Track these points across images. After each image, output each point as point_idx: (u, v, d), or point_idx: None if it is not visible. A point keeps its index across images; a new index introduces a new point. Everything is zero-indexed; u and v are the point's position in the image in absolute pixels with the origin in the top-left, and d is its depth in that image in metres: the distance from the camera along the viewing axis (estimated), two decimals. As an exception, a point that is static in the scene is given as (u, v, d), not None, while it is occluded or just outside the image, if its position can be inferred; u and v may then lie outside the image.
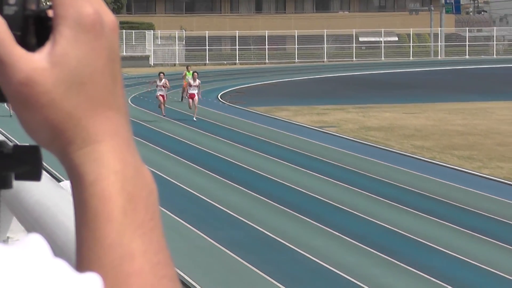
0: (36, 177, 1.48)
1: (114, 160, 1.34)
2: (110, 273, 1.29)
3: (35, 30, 1.32)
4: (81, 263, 1.33)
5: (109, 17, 1.35)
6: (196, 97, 60.34)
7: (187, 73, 69.63)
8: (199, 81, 59.72)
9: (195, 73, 60.17)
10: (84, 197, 1.34)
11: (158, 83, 60.83)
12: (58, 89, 1.27)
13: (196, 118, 57.13)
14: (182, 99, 71.38)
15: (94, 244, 1.32)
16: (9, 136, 35.40)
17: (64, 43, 1.27)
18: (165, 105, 61.04)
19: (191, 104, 59.53)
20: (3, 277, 1.09)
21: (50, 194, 2.80)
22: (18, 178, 1.48)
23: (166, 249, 1.37)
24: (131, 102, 74.54)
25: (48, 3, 1.33)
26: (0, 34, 1.24)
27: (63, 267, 1.14)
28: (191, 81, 59.23)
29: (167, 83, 60.82)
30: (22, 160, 1.47)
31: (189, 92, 60.13)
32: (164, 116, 59.66)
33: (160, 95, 60.18)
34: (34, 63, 1.25)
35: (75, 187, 1.35)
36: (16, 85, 1.27)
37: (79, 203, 1.34)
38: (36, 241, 1.13)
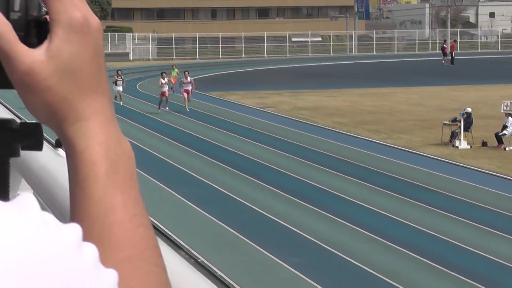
0: (38, 147, 1.58)
1: (99, 133, 1.41)
2: (96, 223, 1.37)
3: (35, 32, 1.42)
4: (74, 216, 1.42)
5: (94, 20, 1.42)
6: (190, 92, 56.71)
7: (172, 71, 66.40)
8: (191, 78, 56.13)
9: (186, 72, 56.27)
10: (76, 163, 1.42)
11: (162, 80, 55.92)
12: (53, 78, 1.34)
13: (188, 109, 55.10)
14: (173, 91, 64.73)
15: (84, 200, 1.40)
16: (19, 114, 32.73)
17: (58, 41, 1.35)
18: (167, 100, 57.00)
19: (185, 98, 55.64)
20: None
21: (51, 160, 2.89)
22: (24, 148, 1.58)
23: (142, 203, 1.43)
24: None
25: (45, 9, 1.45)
26: (7, 34, 1.34)
27: (48, 217, 1.17)
28: (184, 79, 55.48)
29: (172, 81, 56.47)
30: (27, 134, 1.59)
31: (184, 88, 55.95)
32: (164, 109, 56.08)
33: (165, 91, 55.44)
34: (34, 57, 1.33)
35: (69, 155, 1.44)
36: (20, 74, 1.34)
37: (72, 167, 1.43)
38: (27, 197, 1.15)
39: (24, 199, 1.08)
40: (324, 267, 28.41)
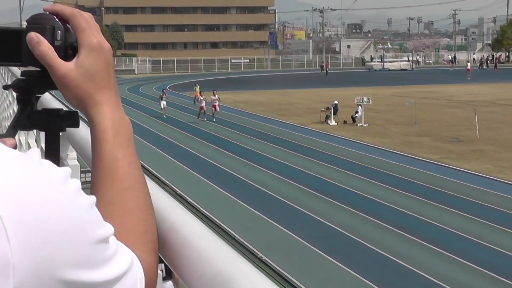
0: (77, 125, 1.57)
1: (108, 113, 1.38)
2: (107, 168, 1.33)
3: (71, 52, 1.40)
4: (93, 163, 1.37)
5: (106, 45, 1.38)
6: (218, 107, 47.51)
7: (196, 87, 57.77)
8: (218, 96, 47.90)
9: (215, 91, 48.28)
10: (94, 131, 1.38)
11: (200, 97, 47.69)
12: (79, 79, 1.33)
13: (215, 119, 46.66)
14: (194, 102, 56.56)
15: (99, 153, 1.37)
16: (65, 104, 31.52)
17: (82, 57, 1.34)
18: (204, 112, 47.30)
19: (213, 110, 47.12)
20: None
21: (84, 133, 2.40)
22: (68, 126, 1.57)
23: (136, 155, 1.39)
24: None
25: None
26: (50, 54, 1.31)
27: (45, 162, 1.06)
28: (212, 97, 47.14)
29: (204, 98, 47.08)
30: (70, 117, 1.55)
31: (212, 103, 47.30)
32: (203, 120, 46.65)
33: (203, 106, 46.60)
34: (67, 67, 1.33)
35: (91, 127, 1.39)
36: (59, 77, 1.34)
37: (92, 134, 1.39)
38: (34, 150, 1.05)
39: (31, 151, 1.06)
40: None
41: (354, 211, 23.10)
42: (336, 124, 45.52)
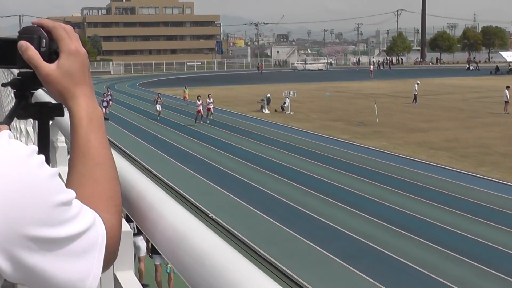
0: (62, 115, 1.54)
1: (83, 104, 1.34)
2: (82, 148, 1.30)
3: (55, 56, 1.29)
4: (71, 145, 1.34)
5: (83, 50, 1.35)
6: (212, 109, 40.77)
7: (185, 89, 52.76)
8: (212, 99, 41.19)
9: (210, 94, 41.54)
10: (72, 119, 1.35)
11: (198, 101, 39.44)
12: (60, 77, 1.30)
13: (209, 121, 39.78)
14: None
15: (75, 137, 1.33)
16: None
17: (63, 60, 1.31)
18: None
19: (208, 113, 40.19)
20: None
21: (66, 120, 1.69)
22: (56, 116, 1.55)
23: (106, 138, 1.36)
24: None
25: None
26: (37, 58, 1.30)
27: (13, 142, 1.03)
28: (208, 100, 40.33)
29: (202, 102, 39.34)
30: (57, 109, 1.53)
31: (207, 106, 40.21)
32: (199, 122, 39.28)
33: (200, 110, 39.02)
34: (50, 67, 1.30)
35: (69, 115, 1.36)
36: (43, 76, 1.31)
37: (71, 122, 1.36)
38: (4, 132, 1.03)
39: (1, 133, 1.04)
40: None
41: (283, 179, 23.22)
42: (269, 112, 45.41)
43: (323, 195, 20.67)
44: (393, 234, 16.59)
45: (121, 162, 1.50)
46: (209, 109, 40.64)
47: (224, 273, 0.98)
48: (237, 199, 20.32)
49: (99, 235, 1.15)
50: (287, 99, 45.59)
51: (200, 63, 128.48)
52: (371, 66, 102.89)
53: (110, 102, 45.01)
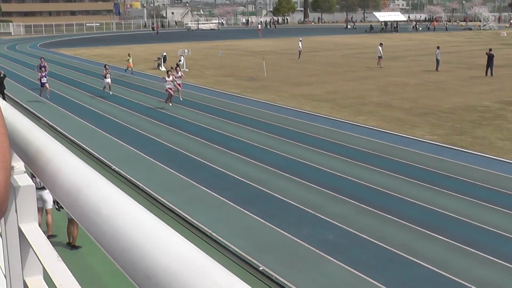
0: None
1: None
2: None
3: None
4: None
5: None
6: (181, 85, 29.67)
7: (129, 58, 42.06)
8: (182, 73, 31.29)
9: (178, 67, 31.38)
10: None
11: (167, 78, 28.69)
12: None
13: (181, 98, 29.34)
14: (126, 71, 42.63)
15: None
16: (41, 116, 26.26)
17: None
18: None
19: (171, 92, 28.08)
20: None
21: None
22: None
23: (5, 125, 1.28)
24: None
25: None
26: None
27: None
28: (175, 73, 29.80)
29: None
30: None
31: (176, 83, 28.91)
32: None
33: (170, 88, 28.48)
34: None
35: None
36: None
37: None
38: None
39: None
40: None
41: (179, 132, 23.20)
42: (165, 69, 44.54)
43: (217, 145, 20.75)
44: (281, 178, 16.88)
45: (19, 119, 1.46)
46: (178, 85, 29.75)
47: (120, 221, 0.98)
48: (137, 151, 20.15)
49: None
50: (182, 57, 45.32)
51: (98, 24, 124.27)
52: (259, 26, 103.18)
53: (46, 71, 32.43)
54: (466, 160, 18.63)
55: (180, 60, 45.54)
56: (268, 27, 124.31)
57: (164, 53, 47.05)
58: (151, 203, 14.72)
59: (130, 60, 42.25)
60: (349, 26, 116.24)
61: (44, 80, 30.25)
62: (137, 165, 18.54)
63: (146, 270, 0.87)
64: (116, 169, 17.94)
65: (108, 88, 32.00)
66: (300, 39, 55.24)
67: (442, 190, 15.65)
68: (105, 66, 32.61)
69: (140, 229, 0.95)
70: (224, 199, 15.06)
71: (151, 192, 15.71)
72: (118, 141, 21.83)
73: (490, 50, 39.61)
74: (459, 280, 10.59)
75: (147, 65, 48.15)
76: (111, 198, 1.06)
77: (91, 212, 1.06)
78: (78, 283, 1.49)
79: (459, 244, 12.14)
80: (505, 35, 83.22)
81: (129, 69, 42.15)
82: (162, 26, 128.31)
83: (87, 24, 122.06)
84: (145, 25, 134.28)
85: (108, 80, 31.86)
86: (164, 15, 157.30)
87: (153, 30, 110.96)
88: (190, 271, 0.80)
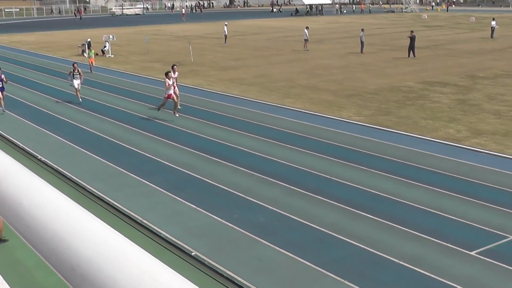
0: None
1: None
2: None
3: None
4: None
5: None
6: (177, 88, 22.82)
7: (90, 52, 36.50)
8: (177, 73, 23.50)
9: (175, 66, 23.42)
10: None
11: (169, 82, 21.95)
12: None
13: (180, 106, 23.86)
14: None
15: None
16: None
17: None
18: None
19: (175, 98, 22.25)
20: None
21: None
22: None
23: None
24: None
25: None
26: None
27: None
28: (172, 74, 22.34)
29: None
30: None
31: (168, 93, 21.95)
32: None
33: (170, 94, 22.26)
34: None
35: None
36: None
37: None
38: None
39: None
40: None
41: (105, 119, 22.86)
42: (94, 55, 44.16)
43: (143, 131, 20.57)
44: (210, 162, 16.84)
45: None
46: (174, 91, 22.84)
47: (42, 212, 0.94)
48: (63, 140, 19.77)
49: None
50: (107, 43, 44.75)
51: (18, 10, 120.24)
52: (183, 10, 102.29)
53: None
54: (392, 139, 19.03)
55: (105, 46, 44.93)
56: (194, 11, 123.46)
57: (89, 39, 46.04)
58: (80, 192, 14.44)
59: (92, 55, 36.55)
60: (275, 10, 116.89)
61: None
62: (63, 153, 18.15)
63: (71, 261, 0.86)
64: (42, 159, 17.51)
65: (76, 92, 26.12)
66: (226, 23, 55.19)
67: (369, 169, 15.95)
68: (73, 65, 26.19)
69: (63, 219, 0.91)
70: (154, 185, 14.89)
71: (79, 180, 15.37)
72: (42, 129, 21.38)
73: (412, 32, 40.59)
74: (387, 256, 10.82)
75: (71, 51, 47.27)
76: (32, 189, 1.01)
77: (12, 204, 1.02)
78: (4, 278, 1.43)
79: (386, 222, 12.39)
80: (426, 17, 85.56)
81: (91, 65, 35.95)
82: (85, 11, 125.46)
83: (5, 10, 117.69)
84: (68, 10, 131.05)
85: (78, 81, 25.72)
86: (87, 0, 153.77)
87: (76, 15, 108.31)
88: (115, 260, 0.81)
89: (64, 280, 0.78)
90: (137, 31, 67.55)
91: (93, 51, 36.22)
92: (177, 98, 22.76)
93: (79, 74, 25.45)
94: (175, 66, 23.58)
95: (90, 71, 35.21)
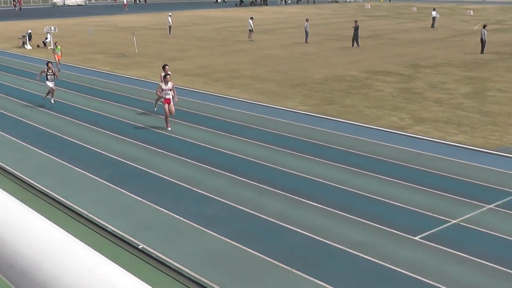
0: None
1: None
2: None
3: None
4: None
5: None
6: (172, 102, 19.28)
7: (56, 48, 32.57)
8: (172, 84, 19.62)
9: (168, 76, 19.45)
10: None
11: (163, 86, 19.22)
12: None
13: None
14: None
15: None
16: None
17: None
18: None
19: (167, 110, 19.14)
20: None
21: None
22: None
23: None
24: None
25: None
26: None
27: None
28: (163, 85, 19.17)
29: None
30: None
31: (164, 97, 19.15)
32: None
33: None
34: None
35: None
36: None
37: None
38: None
39: None
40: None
41: (48, 112, 22.44)
42: (31, 48, 43.70)
43: (88, 124, 20.30)
44: (156, 155, 16.75)
45: None
46: (167, 102, 19.62)
47: None
48: (4, 134, 19.27)
49: None
50: (48, 34, 43.72)
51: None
52: (125, 0, 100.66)
53: None
54: (337, 128, 19.26)
55: (46, 38, 43.95)
56: (138, 1, 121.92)
57: (29, 31, 45.19)
58: (23, 188, 14.12)
59: (58, 51, 33.12)
60: (219, 0, 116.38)
61: None
62: (4, 148, 17.72)
63: (9, 258, 0.85)
64: (-18, 154, 17.04)
65: (50, 94, 23.67)
66: (170, 14, 54.68)
67: (315, 158, 16.11)
68: (47, 64, 23.75)
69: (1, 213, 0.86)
70: (99, 179, 14.72)
71: (22, 176, 15.04)
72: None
73: (356, 22, 41.07)
74: (334, 244, 10.97)
75: (11, 43, 46.12)
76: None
77: None
78: None
79: (333, 210, 12.55)
80: (369, 7, 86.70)
81: (57, 63, 32.46)
82: (25, 1, 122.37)
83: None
84: (7, 1, 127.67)
85: (51, 84, 23.34)
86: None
87: (16, 6, 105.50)
88: (54, 256, 0.79)
89: (3, 277, 0.75)
90: (80, 22, 66.35)
91: (59, 47, 33.00)
92: (169, 112, 19.50)
93: (54, 74, 23.42)
94: (167, 67, 20.64)
95: (57, 68, 31.30)
